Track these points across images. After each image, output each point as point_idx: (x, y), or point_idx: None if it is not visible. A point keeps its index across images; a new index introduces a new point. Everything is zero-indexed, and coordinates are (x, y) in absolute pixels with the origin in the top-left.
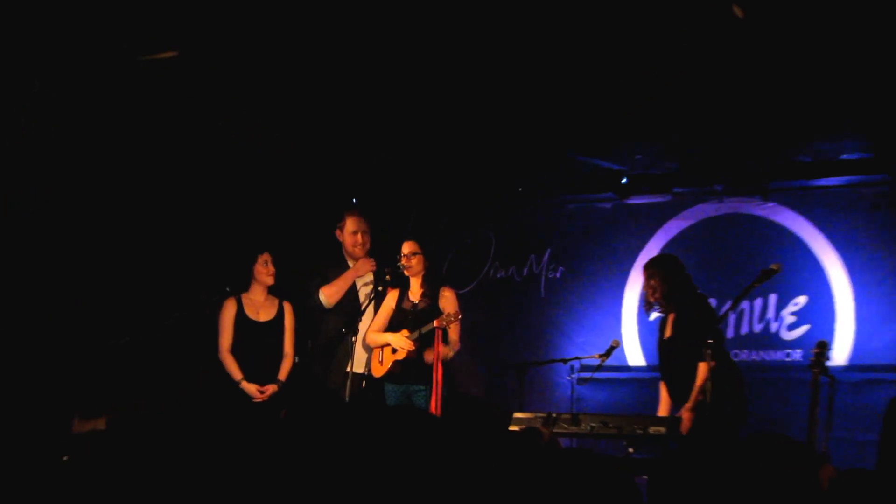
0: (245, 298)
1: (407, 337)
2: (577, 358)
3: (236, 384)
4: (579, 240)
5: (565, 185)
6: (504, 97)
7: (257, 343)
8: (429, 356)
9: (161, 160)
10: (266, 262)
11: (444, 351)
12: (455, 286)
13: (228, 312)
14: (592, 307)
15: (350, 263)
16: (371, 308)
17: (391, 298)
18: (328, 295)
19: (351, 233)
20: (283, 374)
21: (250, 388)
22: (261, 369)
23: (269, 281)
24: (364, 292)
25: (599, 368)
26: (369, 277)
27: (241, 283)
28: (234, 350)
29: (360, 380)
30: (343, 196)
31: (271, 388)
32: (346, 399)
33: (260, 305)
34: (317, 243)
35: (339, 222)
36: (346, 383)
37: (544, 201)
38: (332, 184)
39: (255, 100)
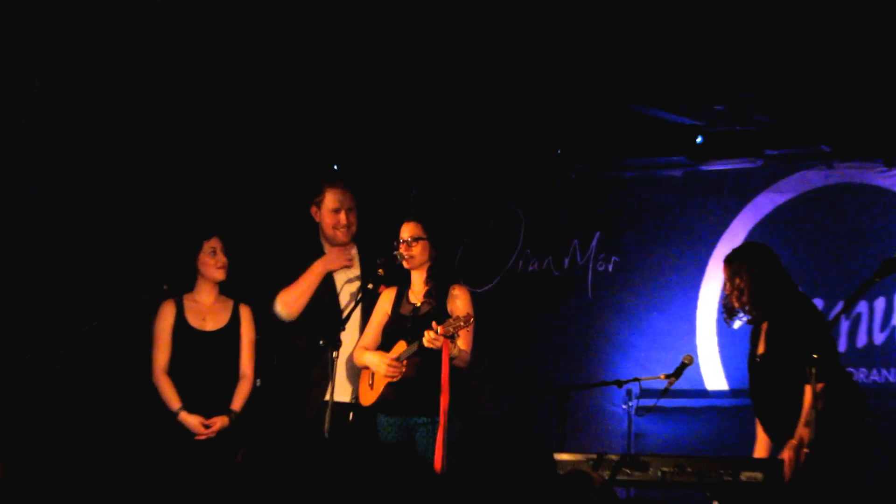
0: (188, 301)
1: (400, 355)
2: (636, 379)
3: (173, 415)
4: (639, 220)
5: (620, 147)
6: (535, 26)
7: (203, 360)
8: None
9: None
10: (214, 251)
11: (457, 355)
12: (470, 283)
13: (165, 320)
14: (657, 311)
15: (328, 251)
16: (358, 313)
17: (385, 300)
18: (286, 302)
19: (331, 210)
20: (237, 402)
21: (192, 420)
22: (207, 395)
23: (219, 276)
24: (348, 292)
25: (667, 393)
26: (355, 272)
27: (185, 280)
28: (173, 369)
29: (344, 411)
30: (321, 163)
31: (220, 422)
32: (325, 437)
33: (207, 309)
34: (286, 225)
35: (315, 196)
36: (325, 416)
37: (591, 169)
38: (307, 146)
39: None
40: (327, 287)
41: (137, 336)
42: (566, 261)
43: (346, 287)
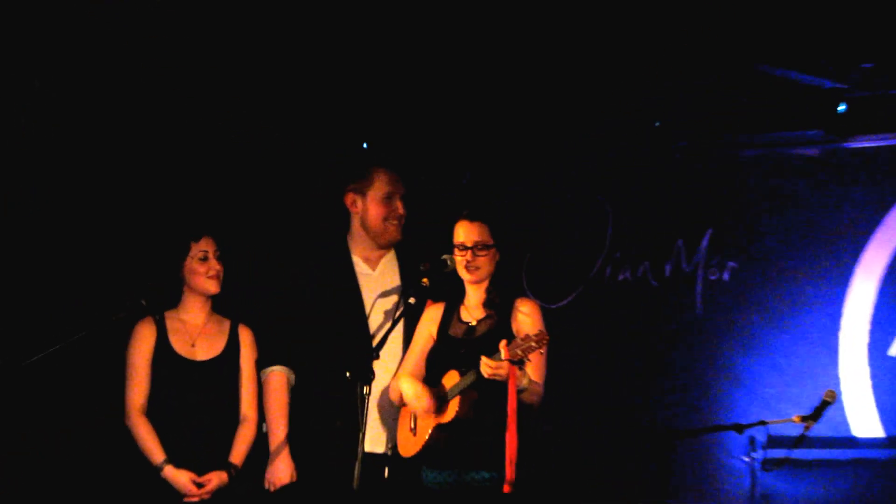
0: (172, 320)
1: (453, 387)
2: (762, 423)
3: (156, 470)
4: (762, 214)
5: (738, 118)
6: None
7: (193, 398)
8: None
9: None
10: (205, 256)
11: (526, 387)
12: (542, 297)
13: (142, 344)
14: (786, 332)
15: (361, 262)
16: (397, 336)
17: (430, 319)
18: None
19: (383, 198)
20: (238, 453)
21: (180, 478)
22: (199, 444)
23: (211, 287)
24: (381, 309)
25: (802, 442)
26: (391, 280)
27: (167, 293)
28: (153, 410)
29: (377, 464)
30: (344, 141)
31: (217, 479)
32: (354, 498)
33: (197, 332)
34: (297, 223)
35: (355, 182)
36: (355, 472)
37: (700, 147)
38: (326, 122)
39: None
40: (353, 302)
41: (105, 366)
42: (668, 267)
43: (380, 303)
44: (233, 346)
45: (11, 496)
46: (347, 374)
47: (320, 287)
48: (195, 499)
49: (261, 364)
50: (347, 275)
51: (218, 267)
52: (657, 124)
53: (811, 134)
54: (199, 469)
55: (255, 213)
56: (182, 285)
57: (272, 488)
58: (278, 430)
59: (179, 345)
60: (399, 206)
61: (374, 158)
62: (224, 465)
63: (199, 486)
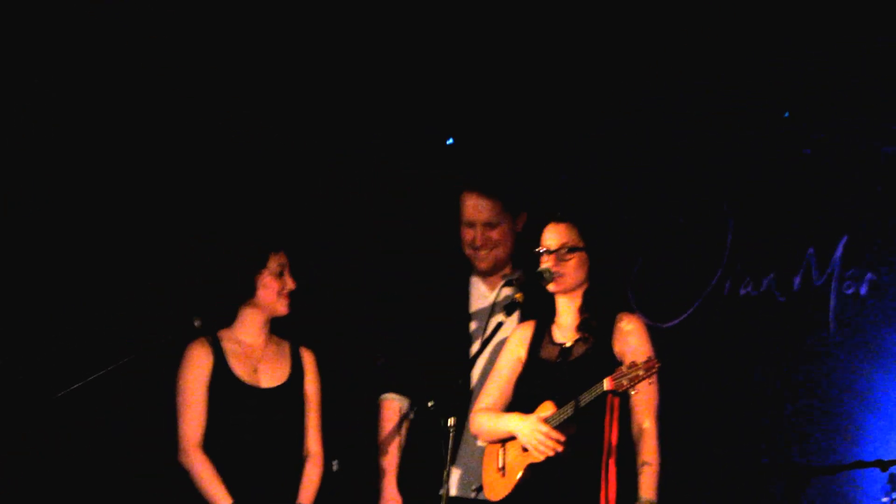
0: (228, 342)
1: (547, 420)
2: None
3: None
4: None
5: (879, 106)
6: None
7: (257, 429)
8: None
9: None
10: (281, 272)
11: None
12: (652, 315)
13: (198, 369)
14: None
15: (481, 284)
16: (484, 357)
17: (518, 341)
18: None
19: (465, 223)
20: (307, 494)
21: None
22: (263, 481)
23: (283, 309)
24: (475, 326)
25: None
26: (488, 296)
27: (224, 313)
28: (212, 444)
29: None
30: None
31: None
32: None
33: (258, 355)
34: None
35: (458, 203)
36: None
37: (835, 140)
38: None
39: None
40: (458, 327)
41: (151, 394)
42: (797, 280)
43: (475, 323)
44: (297, 371)
45: None
46: (430, 404)
47: (434, 308)
48: None
49: (376, 391)
50: (460, 297)
51: (292, 285)
52: (786, 115)
53: None
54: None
55: (339, 220)
56: (245, 302)
57: None
58: (386, 463)
59: (241, 369)
60: (478, 237)
61: (474, 174)
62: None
63: None
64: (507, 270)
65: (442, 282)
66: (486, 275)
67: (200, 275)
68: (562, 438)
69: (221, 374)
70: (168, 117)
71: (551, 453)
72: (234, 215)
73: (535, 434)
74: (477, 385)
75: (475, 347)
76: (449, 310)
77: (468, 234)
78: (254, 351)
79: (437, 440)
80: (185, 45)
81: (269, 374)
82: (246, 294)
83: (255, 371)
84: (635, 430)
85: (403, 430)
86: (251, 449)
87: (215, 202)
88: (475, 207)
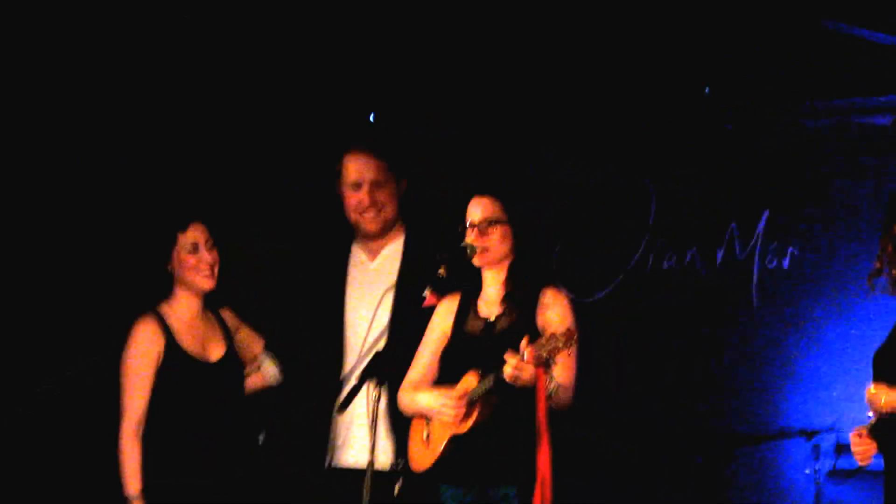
0: (172, 318)
1: (470, 392)
2: (831, 429)
3: (124, 500)
4: (828, 192)
5: (800, 82)
6: None
7: (213, 404)
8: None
9: None
10: (195, 246)
11: (555, 390)
12: (576, 289)
13: (148, 347)
14: (855, 327)
15: (361, 252)
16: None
17: (443, 315)
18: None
19: (349, 185)
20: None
21: None
22: (220, 458)
23: (205, 284)
24: (385, 303)
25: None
26: (389, 273)
27: (159, 286)
28: (167, 423)
29: (387, 481)
30: (345, 106)
31: None
32: None
33: (201, 330)
34: (302, 207)
35: (336, 165)
36: (364, 489)
37: (756, 116)
38: (330, 89)
39: None
40: (335, 298)
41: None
42: (720, 253)
43: (384, 299)
44: (229, 337)
45: None
46: (359, 378)
47: (311, 280)
48: None
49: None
50: (337, 266)
51: (210, 259)
52: (707, 91)
53: (885, 100)
54: (222, 481)
55: (251, 198)
56: (171, 279)
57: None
58: None
59: (190, 346)
60: (365, 196)
61: (356, 139)
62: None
63: None
64: (390, 236)
65: (319, 252)
66: (370, 239)
67: (117, 260)
68: (461, 402)
69: (173, 352)
70: (75, 96)
71: (458, 417)
72: (140, 197)
73: (437, 406)
74: (361, 358)
75: (359, 318)
76: (326, 281)
77: (354, 198)
78: (195, 325)
79: (311, 417)
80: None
81: (213, 347)
82: (161, 275)
83: (204, 347)
84: None
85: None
86: (205, 424)
87: (122, 183)
88: (364, 167)
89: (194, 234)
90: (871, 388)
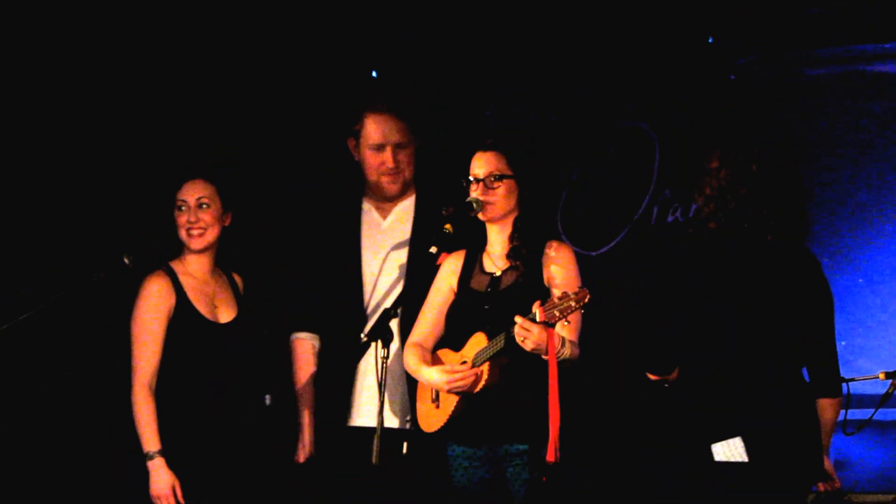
0: (183, 275)
1: (479, 353)
2: (842, 380)
3: (144, 457)
4: (835, 143)
5: (805, 30)
6: None
7: (222, 367)
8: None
9: None
10: (185, 205)
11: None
12: (579, 242)
13: (159, 302)
14: (864, 277)
15: (373, 211)
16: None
17: (448, 271)
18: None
19: (372, 146)
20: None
21: (165, 477)
22: (228, 421)
23: (193, 244)
24: (396, 263)
25: (887, 400)
26: (402, 231)
27: (170, 244)
28: (175, 384)
29: (395, 440)
30: (356, 71)
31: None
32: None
33: (212, 290)
34: (312, 166)
35: (353, 125)
36: (373, 448)
37: (760, 66)
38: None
39: None
40: (351, 256)
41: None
42: None
43: (393, 256)
44: (242, 301)
45: None
46: (363, 337)
47: (326, 240)
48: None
49: (285, 330)
50: (351, 226)
51: (197, 218)
52: (710, 40)
53: (889, 47)
54: (230, 447)
55: (259, 155)
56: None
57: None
58: (304, 402)
59: (202, 306)
60: (388, 159)
61: (375, 98)
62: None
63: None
64: (406, 197)
65: (333, 213)
66: (385, 199)
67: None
68: (476, 372)
69: (183, 310)
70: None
71: (468, 385)
72: (146, 155)
73: (444, 385)
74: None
75: (400, 279)
76: (341, 241)
77: (376, 158)
78: (206, 286)
79: (338, 374)
80: None
81: (224, 308)
82: (163, 232)
83: (215, 306)
84: None
85: (315, 367)
86: (214, 387)
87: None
88: (387, 127)
89: (186, 193)
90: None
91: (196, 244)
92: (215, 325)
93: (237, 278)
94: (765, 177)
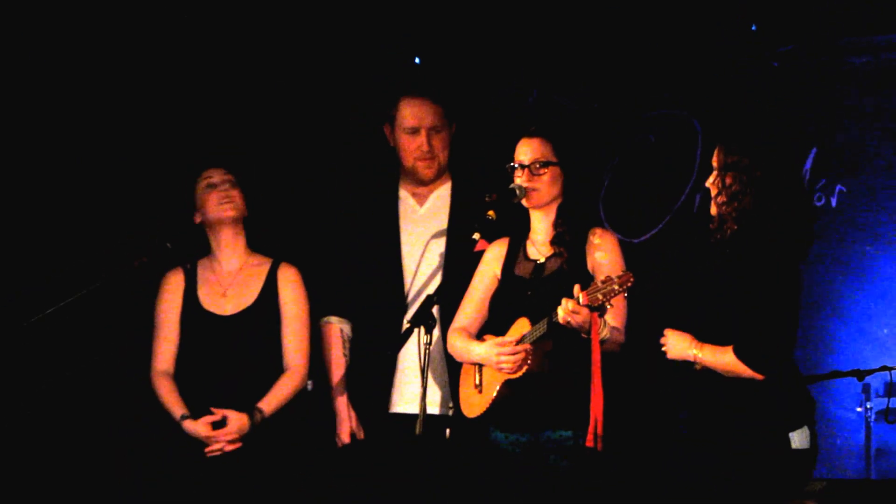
0: (204, 269)
1: (523, 337)
2: (884, 368)
3: (178, 426)
4: (875, 129)
5: (849, 17)
6: None
7: (219, 358)
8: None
9: None
10: (211, 184)
11: (609, 336)
12: (621, 230)
13: (169, 298)
14: None
15: (410, 198)
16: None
17: (493, 258)
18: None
19: (407, 131)
20: (268, 400)
21: (199, 428)
22: (232, 408)
23: (226, 212)
24: (436, 251)
25: None
26: (440, 218)
27: (194, 237)
28: (181, 374)
29: (438, 426)
30: (398, 56)
31: (236, 424)
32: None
33: (230, 279)
34: (343, 150)
35: (388, 110)
36: (416, 431)
37: (804, 53)
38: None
39: None
40: (390, 243)
41: (126, 320)
42: None
43: (432, 244)
44: (270, 290)
45: (20, 462)
46: (406, 323)
47: (363, 227)
48: (217, 445)
49: (317, 314)
50: (388, 213)
51: (232, 193)
52: (753, 28)
53: None
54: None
55: (295, 141)
56: (200, 228)
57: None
58: (337, 386)
59: (209, 297)
60: (423, 141)
61: (411, 84)
62: (250, 409)
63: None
64: (438, 181)
65: (370, 198)
66: (421, 185)
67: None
68: (526, 348)
69: (189, 303)
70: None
71: (517, 365)
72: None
73: (493, 357)
74: (416, 300)
75: (441, 265)
76: (379, 227)
77: (412, 143)
78: (227, 276)
79: (376, 360)
80: None
81: (237, 298)
82: (188, 219)
83: (224, 296)
84: None
85: (348, 352)
86: (214, 377)
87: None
88: (422, 112)
89: (209, 175)
90: None
91: (230, 212)
92: (215, 317)
93: (289, 270)
94: (768, 182)
